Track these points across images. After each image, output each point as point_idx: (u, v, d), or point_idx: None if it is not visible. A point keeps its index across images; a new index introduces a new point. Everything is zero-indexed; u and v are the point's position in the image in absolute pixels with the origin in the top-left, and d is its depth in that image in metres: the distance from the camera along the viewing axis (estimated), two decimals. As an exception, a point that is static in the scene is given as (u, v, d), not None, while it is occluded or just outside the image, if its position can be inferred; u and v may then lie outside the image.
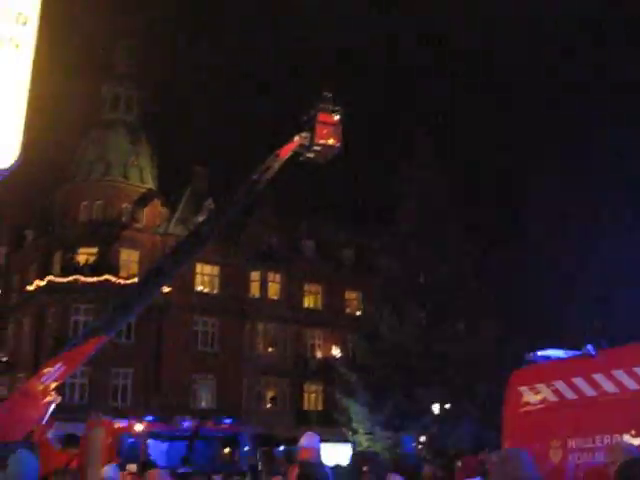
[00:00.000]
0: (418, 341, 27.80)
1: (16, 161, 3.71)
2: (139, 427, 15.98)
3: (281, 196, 42.11)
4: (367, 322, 32.54)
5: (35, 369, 27.30)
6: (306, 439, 8.21)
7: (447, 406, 27.90)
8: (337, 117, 24.03)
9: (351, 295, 48.04)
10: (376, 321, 29.78)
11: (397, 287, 29.79)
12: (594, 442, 5.67)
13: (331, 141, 23.84)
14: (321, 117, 23.72)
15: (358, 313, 46.06)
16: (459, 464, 8.68)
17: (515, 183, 62.79)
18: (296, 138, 23.35)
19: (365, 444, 28.23)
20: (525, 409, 6.68)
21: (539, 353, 6.71)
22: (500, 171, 60.54)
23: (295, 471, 8.04)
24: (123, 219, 41.74)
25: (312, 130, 23.46)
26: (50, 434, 16.37)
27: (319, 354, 45.70)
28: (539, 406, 6.42)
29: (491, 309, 28.64)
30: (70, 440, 17.23)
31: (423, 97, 75.35)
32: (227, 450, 17.76)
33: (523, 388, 6.87)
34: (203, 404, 40.62)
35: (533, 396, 6.68)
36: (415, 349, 27.61)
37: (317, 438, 8.32)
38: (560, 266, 38.17)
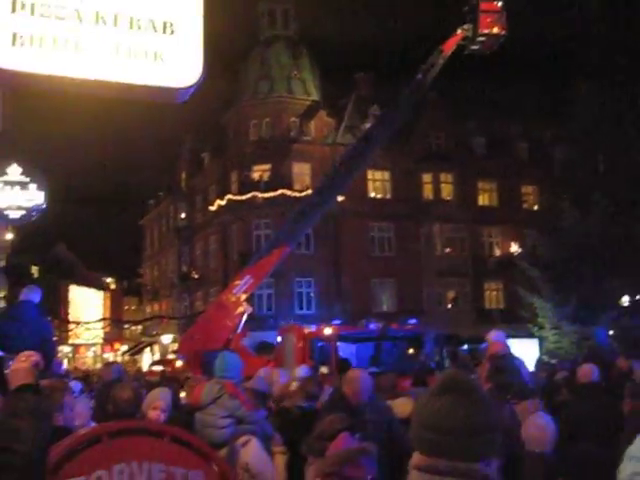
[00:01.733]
0: (603, 230, 26.48)
1: (200, 76, 3.78)
2: (328, 331, 16.55)
3: (447, 94, 41.04)
4: (547, 215, 31.46)
5: (224, 283, 28.97)
6: (494, 334, 8.20)
7: (638, 297, 26.75)
8: (500, 3, 22.82)
9: (527, 189, 46.58)
10: (557, 214, 28.72)
11: (576, 177, 28.44)
12: None
13: (495, 30, 22.73)
14: (483, 5, 22.61)
15: (536, 207, 44.72)
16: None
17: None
18: (459, 31, 22.49)
19: (552, 339, 27.76)
20: None
21: None
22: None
23: (486, 366, 8.09)
24: (292, 133, 42.44)
25: (475, 20, 22.47)
26: (245, 342, 17.38)
27: (497, 252, 45.03)
28: None
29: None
30: (263, 347, 18.23)
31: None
32: (412, 350, 18.09)
33: None
34: (384, 307, 41.41)
35: None
36: (601, 239, 26.38)
37: (504, 334, 8.29)
38: None
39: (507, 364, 7.41)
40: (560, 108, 31.31)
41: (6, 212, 9.16)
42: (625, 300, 27.19)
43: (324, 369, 14.56)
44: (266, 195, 40.61)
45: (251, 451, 5.11)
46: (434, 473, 1.98)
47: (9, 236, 26.67)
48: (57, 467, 2.98)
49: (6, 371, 2.74)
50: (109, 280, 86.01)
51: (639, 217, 26.67)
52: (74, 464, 3.06)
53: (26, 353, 2.39)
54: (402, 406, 7.10)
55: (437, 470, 1.98)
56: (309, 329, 17.17)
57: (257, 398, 6.51)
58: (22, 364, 2.32)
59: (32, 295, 8.52)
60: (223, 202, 42.71)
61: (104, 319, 67.29)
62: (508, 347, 7.95)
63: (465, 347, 23.29)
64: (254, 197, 41.04)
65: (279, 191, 40.22)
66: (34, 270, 58.14)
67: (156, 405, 5.92)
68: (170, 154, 56.99)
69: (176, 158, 54.84)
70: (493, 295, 45.13)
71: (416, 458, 2.06)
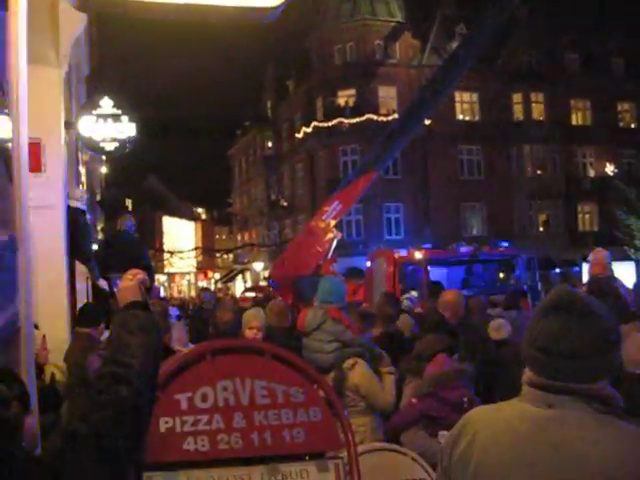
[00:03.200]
0: None
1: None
2: (419, 255, 16.52)
3: (538, 9, 39.25)
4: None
5: (313, 211, 29.14)
6: (595, 254, 7.98)
7: None
8: None
9: (624, 107, 44.68)
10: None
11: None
12: None
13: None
14: None
15: (633, 126, 42.88)
16: None
17: None
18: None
19: (650, 261, 27.00)
20: None
21: None
22: None
23: (583, 288, 7.91)
24: (376, 56, 41.70)
25: None
26: (334, 268, 17.52)
27: (592, 173, 43.59)
28: None
29: None
30: (353, 272, 18.34)
31: None
32: (503, 274, 17.90)
33: None
34: (474, 231, 40.99)
35: None
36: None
37: (607, 253, 8.03)
38: None
39: (607, 286, 7.22)
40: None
41: (102, 144, 9.38)
42: None
43: (414, 293, 14.58)
44: (352, 120, 40.30)
45: (359, 373, 5.22)
46: (550, 391, 1.95)
47: (103, 170, 27.45)
48: (164, 383, 3.10)
49: (115, 289, 2.84)
50: (200, 210, 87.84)
51: None
52: (180, 381, 3.18)
53: (132, 271, 2.44)
54: (496, 327, 7.07)
55: (553, 389, 1.94)
56: (399, 253, 17.17)
57: (364, 321, 6.61)
58: (129, 282, 2.38)
59: (128, 224, 8.86)
60: (309, 129, 42.65)
61: (197, 248, 69.01)
62: (610, 269, 7.75)
63: (557, 270, 22.91)
64: (340, 123, 40.80)
65: (365, 116, 39.81)
66: (128, 203, 59.86)
67: (252, 325, 6.18)
68: (255, 84, 57.09)
69: (261, 87, 54.85)
70: (587, 217, 43.96)
71: (528, 374, 2.02)
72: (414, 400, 4.99)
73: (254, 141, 56.96)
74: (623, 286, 7.73)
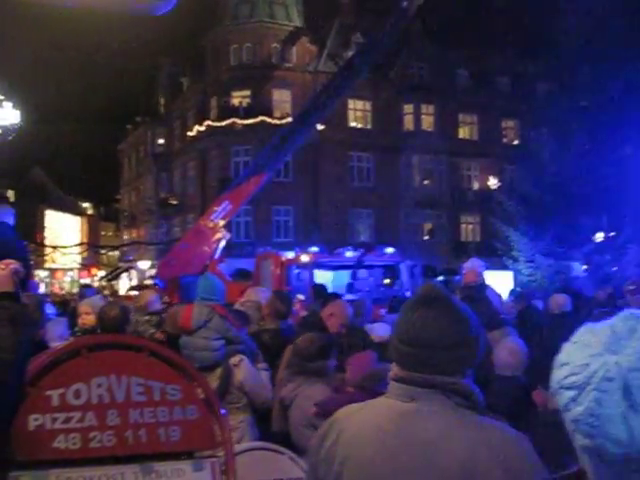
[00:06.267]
0: (579, 167, 26.66)
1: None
2: (305, 258, 16.65)
3: (432, 25, 40.41)
4: (526, 150, 31.50)
5: (202, 210, 28.87)
6: (469, 263, 8.27)
7: (611, 234, 27.08)
8: None
9: (508, 124, 46.50)
10: (536, 149, 28.77)
11: (559, 112, 28.35)
12: None
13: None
14: None
15: (516, 142, 44.68)
16: (630, 287, 8.47)
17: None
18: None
19: (526, 272, 28.18)
20: None
21: None
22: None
23: (457, 295, 8.20)
24: (273, 59, 41.79)
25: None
26: (222, 268, 17.42)
27: (476, 185, 45.18)
28: None
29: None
30: (240, 274, 18.29)
31: None
32: (387, 279, 18.28)
33: None
34: (362, 237, 41.62)
35: None
36: (576, 175, 26.57)
37: (480, 262, 8.34)
38: None
39: (478, 294, 7.50)
40: (543, 44, 30.99)
41: (-19, 130, 8.98)
42: (599, 236, 27.54)
43: (301, 296, 14.67)
44: (246, 121, 40.21)
45: (244, 370, 5.26)
46: (412, 384, 2.01)
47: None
48: (36, 379, 3.01)
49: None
50: (86, 205, 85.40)
51: (616, 156, 26.82)
52: (53, 376, 3.08)
53: (5, 261, 2.35)
54: (378, 330, 7.22)
55: (415, 382, 2.01)
56: (286, 256, 17.26)
57: (240, 319, 6.61)
58: (1, 272, 2.30)
59: (5, 216, 8.50)
60: (202, 128, 42.27)
61: (81, 244, 66.93)
62: (482, 277, 8.04)
63: (440, 278, 23.55)
64: (233, 123, 40.64)
65: (259, 118, 39.81)
66: (10, 194, 57.51)
67: (87, 311, 6.61)
68: (148, 78, 55.99)
69: (154, 82, 53.90)
70: (470, 228, 45.51)
71: (394, 369, 2.09)
72: (351, 389, 4.98)
73: (145, 137, 55.87)
74: (494, 294, 8.05)
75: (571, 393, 0.99)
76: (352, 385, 4.59)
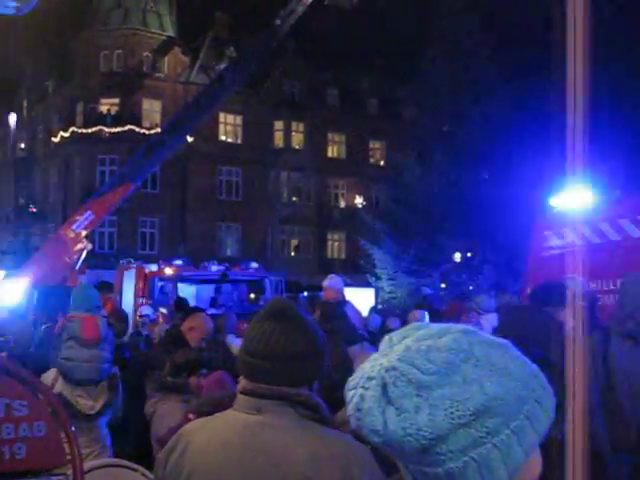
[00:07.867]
0: (440, 190, 27.81)
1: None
2: (169, 271, 16.49)
3: (305, 44, 41.01)
4: (392, 171, 32.49)
5: (64, 219, 27.93)
6: (329, 281, 8.42)
7: (469, 254, 28.31)
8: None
9: (375, 144, 47.73)
10: (401, 170, 29.74)
11: (423, 136, 29.47)
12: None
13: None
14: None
15: (382, 163, 45.94)
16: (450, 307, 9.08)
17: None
18: (319, -20, 22.38)
19: (387, 289, 29.01)
20: (550, 252, 6.79)
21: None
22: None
23: (317, 312, 8.33)
24: (144, 68, 41.10)
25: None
26: (82, 280, 16.93)
27: (342, 203, 46.05)
28: (563, 249, 6.53)
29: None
30: (103, 286, 17.83)
31: None
32: (253, 294, 18.37)
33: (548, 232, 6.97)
34: (229, 252, 41.51)
35: (557, 240, 6.77)
36: (437, 198, 27.67)
37: (340, 280, 8.51)
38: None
39: (336, 310, 7.65)
40: (410, 69, 32.15)
41: None
42: (457, 256, 28.72)
43: (163, 309, 14.49)
44: (113, 130, 39.29)
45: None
46: (258, 397, 2.06)
47: None
48: None
49: None
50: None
51: (477, 179, 28.19)
52: None
53: None
54: (239, 345, 7.24)
55: (262, 394, 2.06)
56: (150, 268, 17.00)
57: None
58: None
59: None
60: (67, 134, 40.89)
61: None
62: (342, 294, 8.21)
63: (305, 294, 23.81)
64: (100, 131, 39.62)
65: (127, 126, 39.01)
66: None
67: None
68: (9, 81, 53.57)
69: (16, 83, 51.63)
70: (335, 245, 46.30)
71: (242, 382, 2.14)
72: (191, 416, 4.93)
73: (5, 140, 53.39)
74: (354, 310, 8.24)
75: (350, 393, 1.11)
76: (192, 412, 4.61)
